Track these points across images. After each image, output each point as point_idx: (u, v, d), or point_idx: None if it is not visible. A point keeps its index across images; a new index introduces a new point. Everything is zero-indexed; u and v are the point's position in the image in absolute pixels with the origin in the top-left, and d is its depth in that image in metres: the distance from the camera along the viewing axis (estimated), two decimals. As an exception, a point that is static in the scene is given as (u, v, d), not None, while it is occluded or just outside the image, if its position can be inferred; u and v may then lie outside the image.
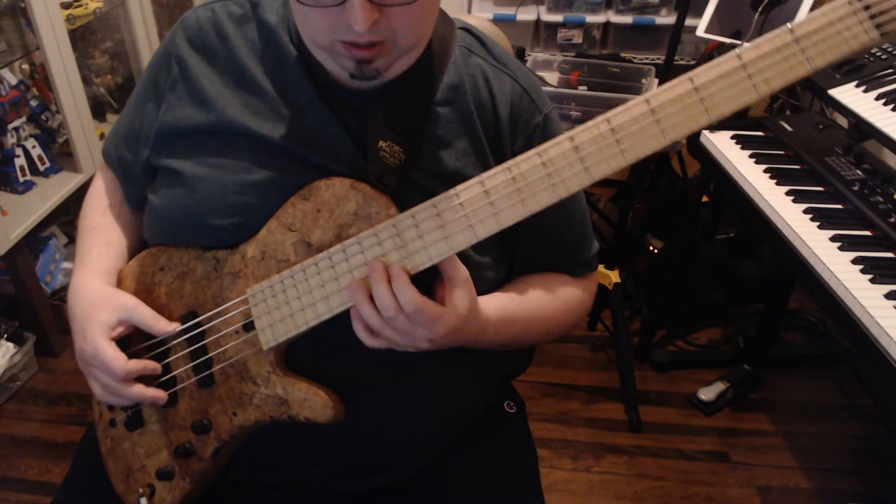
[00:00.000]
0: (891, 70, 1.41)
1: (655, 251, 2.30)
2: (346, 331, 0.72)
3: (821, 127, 1.63)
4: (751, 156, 1.53)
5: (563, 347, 2.15)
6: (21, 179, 2.05)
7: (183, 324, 0.80)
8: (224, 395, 0.79)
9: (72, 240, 2.28)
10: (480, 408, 0.96)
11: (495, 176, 0.67)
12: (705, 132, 1.65)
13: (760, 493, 1.71)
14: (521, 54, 2.16)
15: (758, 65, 0.61)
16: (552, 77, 2.05)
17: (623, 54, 2.61)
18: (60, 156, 2.20)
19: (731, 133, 1.63)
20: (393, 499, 0.89)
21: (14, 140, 2.05)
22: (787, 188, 1.40)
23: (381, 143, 0.74)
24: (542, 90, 0.87)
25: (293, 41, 0.80)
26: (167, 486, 0.82)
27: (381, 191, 0.73)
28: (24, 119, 2.09)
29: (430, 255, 0.69)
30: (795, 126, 1.63)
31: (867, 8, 0.58)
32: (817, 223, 1.29)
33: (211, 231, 0.78)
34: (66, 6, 2.12)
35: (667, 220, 2.31)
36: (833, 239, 1.24)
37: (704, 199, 2.07)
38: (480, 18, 1.77)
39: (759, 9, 1.58)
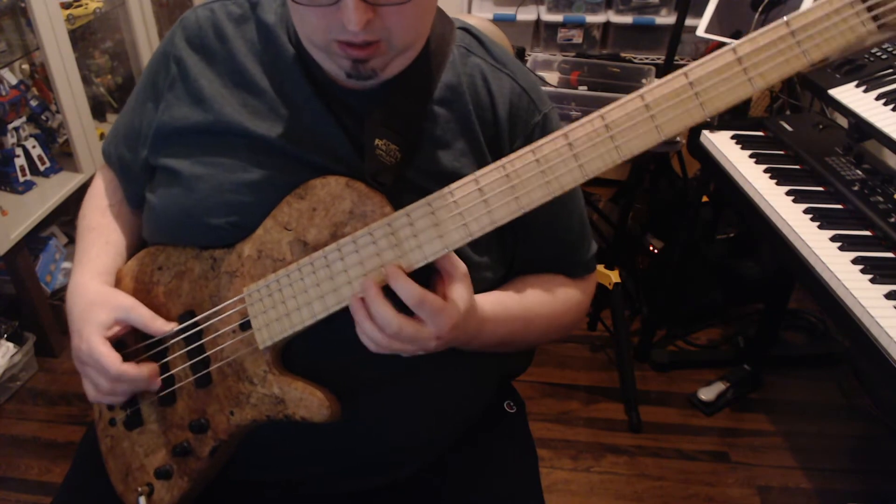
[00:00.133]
0: (891, 70, 1.41)
1: (655, 251, 2.30)
2: (343, 330, 0.72)
3: (821, 127, 1.63)
4: (751, 156, 1.53)
5: (563, 347, 2.15)
6: (21, 179, 2.05)
7: (181, 323, 0.80)
8: (221, 395, 0.79)
9: (72, 240, 2.28)
10: (480, 408, 0.96)
11: (489, 173, 0.67)
12: (705, 132, 1.65)
13: (760, 493, 1.71)
14: (521, 54, 2.16)
15: (753, 58, 0.60)
16: (552, 77, 2.05)
17: (623, 54, 2.61)
18: (60, 156, 2.20)
19: (731, 133, 1.63)
20: (392, 499, 0.89)
21: (14, 140, 2.05)
22: (787, 188, 1.40)
23: (377, 142, 0.74)
24: (542, 90, 0.86)
25: (291, 40, 0.80)
26: (166, 485, 0.82)
27: (377, 189, 0.73)
28: (24, 119, 2.09)
29: (424, 254, 0.68)
30: (795, 126, 1.63)
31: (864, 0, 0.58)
32: (817, 223, 1.29)
33: (208, 230, 0.78)
34: (66, 6, 2.12)
35: (667, 220, 2.31)
36: (833, 239, 1.24)
37: (704, 199, 2.06)
38: (480, 18, 1.78)
39: (759, 9, 1.58)
